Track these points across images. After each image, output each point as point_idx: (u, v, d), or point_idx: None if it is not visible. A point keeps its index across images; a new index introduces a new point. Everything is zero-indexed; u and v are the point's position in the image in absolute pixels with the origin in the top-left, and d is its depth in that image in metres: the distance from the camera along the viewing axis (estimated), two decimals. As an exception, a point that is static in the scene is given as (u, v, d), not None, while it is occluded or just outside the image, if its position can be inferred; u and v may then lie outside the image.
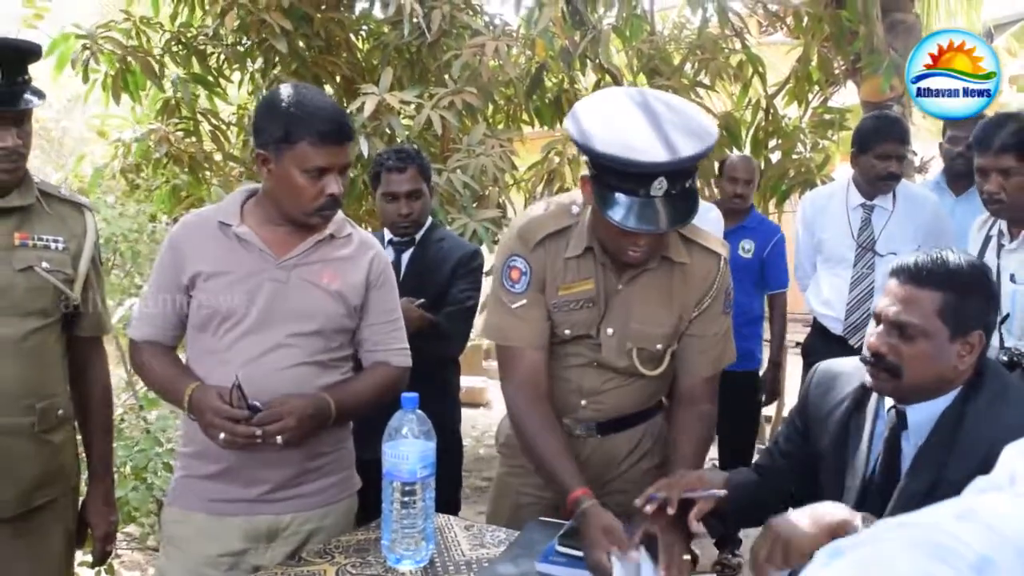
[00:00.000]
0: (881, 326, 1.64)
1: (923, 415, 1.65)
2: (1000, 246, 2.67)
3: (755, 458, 3.72)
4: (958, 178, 3.45)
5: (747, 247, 3.70)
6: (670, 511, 1.63)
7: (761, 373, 3.92)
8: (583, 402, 1.99)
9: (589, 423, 2.01)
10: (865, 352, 1.66)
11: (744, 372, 3.70)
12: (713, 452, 4.19)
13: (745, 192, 3.72)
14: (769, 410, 3.99)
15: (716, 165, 4.61)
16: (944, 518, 0.54)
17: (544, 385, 1.91)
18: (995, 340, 2.60)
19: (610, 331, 1.92)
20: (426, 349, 2.36)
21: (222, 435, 1.69)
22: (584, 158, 1.75)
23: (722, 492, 1.67)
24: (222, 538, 1.82)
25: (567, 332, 1.93)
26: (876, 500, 1.69)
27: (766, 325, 3.98)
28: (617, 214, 1.68)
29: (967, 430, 1.58)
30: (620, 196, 1.68)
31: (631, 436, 2.04)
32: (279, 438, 1.70)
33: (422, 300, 2.66)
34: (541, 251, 1.90)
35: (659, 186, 1.64)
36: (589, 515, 1.68)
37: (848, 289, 3.24)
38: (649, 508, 1.62)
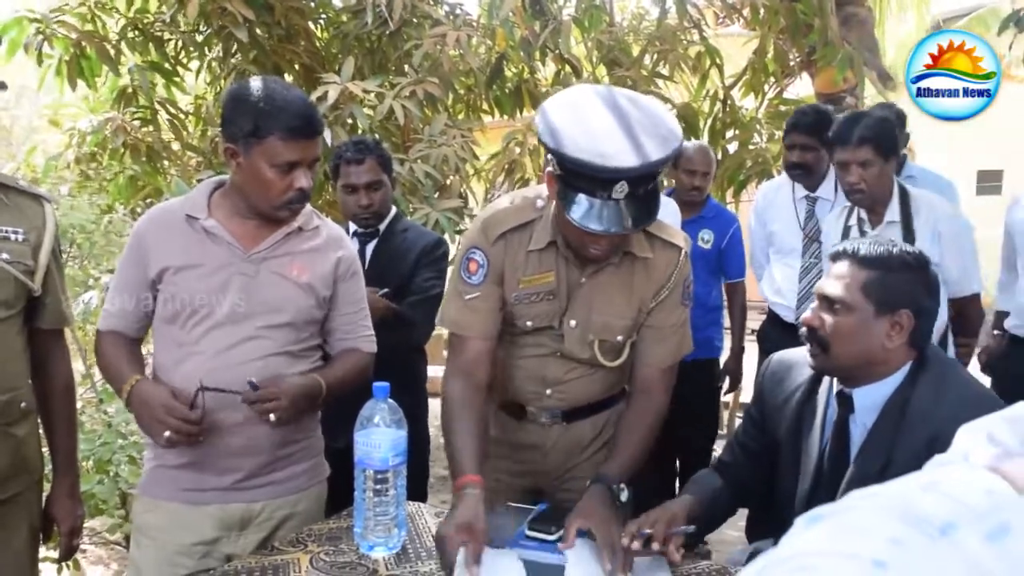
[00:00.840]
0: (816, 302, 1.73)
1: (869, 399, 1.72)
2: (863, 232, 2.82)
3: (715, 445, 3.81)
4: None
5: (706, 237, 3.69)
6: (655, 546, 1.65)
7: (723, 362, 3.93)
8: (547, 391, 2.02)
9: (554, 411, 2.04)
10: (801, 326, 1.75)
11: (703, 360, 3.71)
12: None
13: (702, 184, 3.70)
14: (727, 397, 4.03)
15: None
16: (910, 489, 0.58)
17: (482, 376, 1.93)
18: None
19: (573, 323, 1.94)
20: (391, 339, 2.37)
21: (166, 433, 1.69)
22: (549, 155, 1.76)
23: (691, 528, 1.71)
24: (195, 527, 1.83)
25: (528, 324, 1.95)
26: (828, 483, 1.75)
27: (725, 314, 4.03)
28: (578, 215, 1.70)
29: (912, 414, 1.64)
30: (582, 197, 1.69)
31: (595, 423, 2.07)
32: (272, 416, 1.72)
33: (386, 290, 2.68)
34: (502, 244, 1.91)
35: (621, 189, 1.66)
36: (465, 500, 1.69)
37: (798, 279, 3.33)
38: (636, 544, 1.64)
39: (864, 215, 2.86)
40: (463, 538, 1.60)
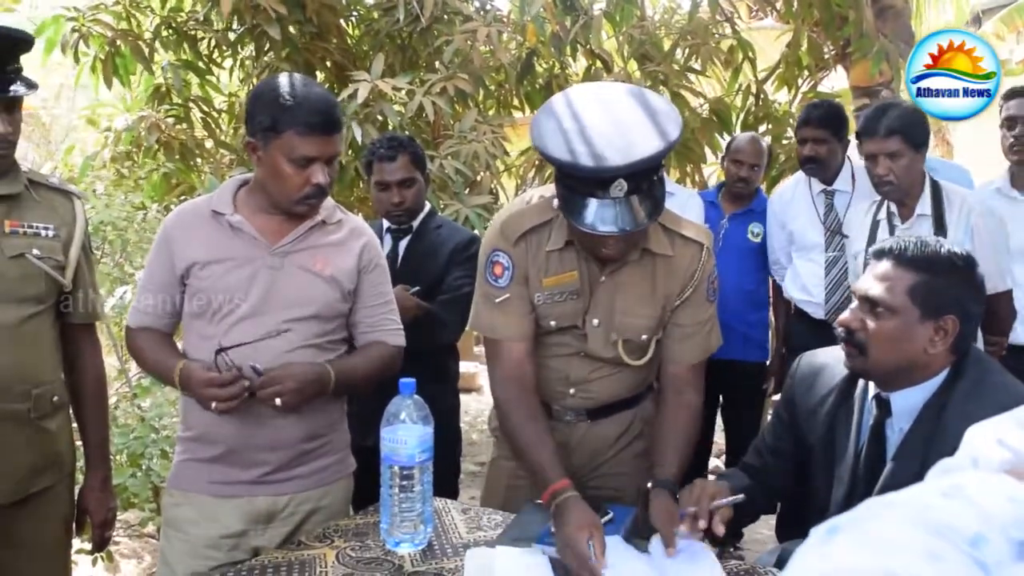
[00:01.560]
0: (856, 302, 1.67)
1: (907, 403, 1.66)
2: (892, 227, 2.76)
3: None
4: None
5: (756, 231, 3.59)
6: (701, 524, 1.64)
7: (768, 361, 3.80)
8: (571, 391, 2.00)
9: (579, 409, 2.03)
10: (837, 327, 1.69)
11: (754, 364, 3.66)
12: (719, 439, 4.21)
13: (750, 176, 3.59)
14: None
15: (716, 148, 4.62)
16: (931, 496, 0.55)
17: (530, 376, 1.92)
18: None
19: (595, 322, 1.93)
20: (421, 337, 2.37)
21: (214, 404, 1.72)
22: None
23: (741, 497, 1.69)
24: (223, 519, 1.84)
25: (552, 324, 1.94)
26: (863, 488, 1.71)
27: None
28: (581, 217, 1.68)
29: (949, 418, 1.58)
30: (582, 200, 1.68)
31: (621, 420, 2.05)
32: (278, 400, 1.72)
33: (417, 288, 2.67)
34: (523, 245, 1.90)
35: (619, 187, 1.64)
36: (568, 507, 1.66)
37: (824, 272, 3.28)
38: (684, 528, 1.63)
39: (894, 209, 2.80)
40: (587, 535, 1.58)
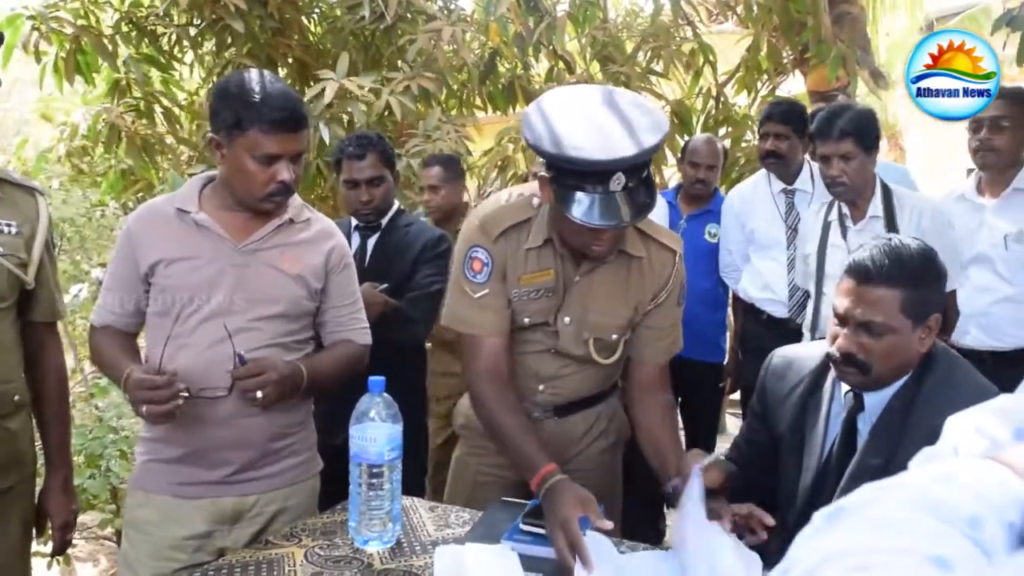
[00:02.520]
0: (847, 327, 1.70)
1: (878, 397, 1.72)
2: (844, 228, 2.82)
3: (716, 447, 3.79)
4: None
5: (713, 232, 3.62)
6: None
7: (725, 361, 3.84)
8: (540, 387, 2.03)
9: (546, 406, 2.05)
10: (833, 352, 1.72)
11: (711, 364, 3.69)
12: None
13: (707, 176, 3.63)
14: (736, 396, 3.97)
15: (676, 150, 4.66)
16: (926, 481, 0.57)
17: (506, 370, 1.94)
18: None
19: (567, 320, 1.95)
20: (389, 334, 2.37)
21: (144, 408, 1.66)
22: (539, 159, 1.76)
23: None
24: (187, 521, 1.82)
25: (526, 320, 1.96)
26: (832, 478, 1.76)
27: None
28: (580, 212, 1.70)
29: (919, 410, 1.65)
30: (580, 195, 1.70)
31: (587, 416, 2.08)
32: (259, 393, 1.71)
33: (385, 285, 2.67)
34: (503, 242, 1.92)
35: (618, 181, 1.67)
36: (560, 489, 1.67)
37: (787, 271, 3.33)
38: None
39: (846, 210, 2.86)
40: (580, 512, 1.59)
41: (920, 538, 0.51)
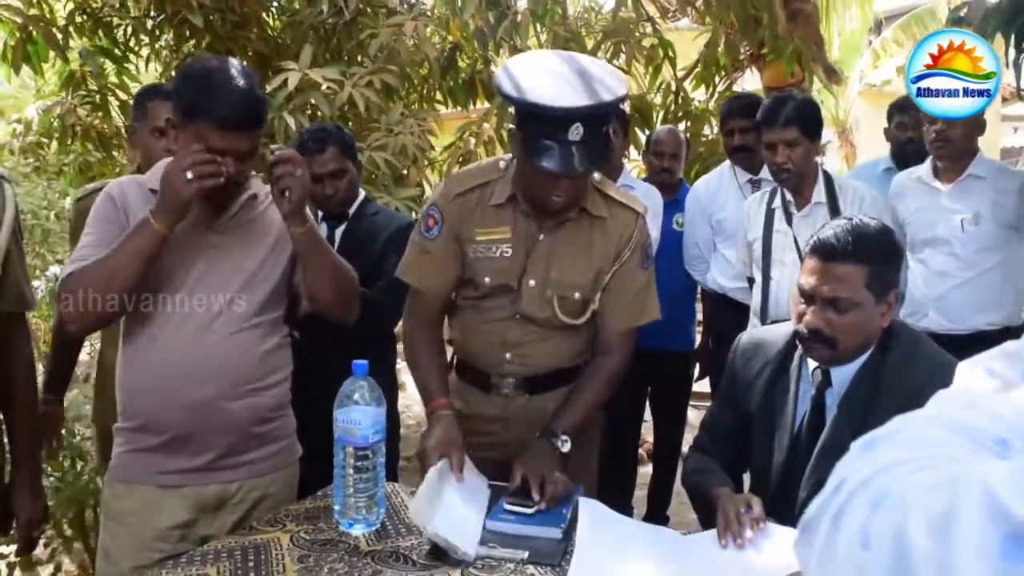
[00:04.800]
0: (813, 305, 1.75)
1: (845, 372, 1.78)
2: (789, 215, 2.91)
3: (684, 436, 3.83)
4: (906, 160, 3.64)
5: (681, 221, 3.66)
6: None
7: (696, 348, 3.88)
8: (507, 355, 2.07)
9: (517, 378, 2.08)
10: (801, 329, 1.77)
11: (680, 353, 3.73)
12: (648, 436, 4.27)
13: (672, 165, 3.70)
14: (703, 386, 4.02)
15: (638, 144, 4.72)
16: (951, 410, 0.60)
17: (437, 318, 2.13)
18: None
19: (532, 283, 2.00)
20: (359, 325, 2.36)
21: (189, 174, 1.67)
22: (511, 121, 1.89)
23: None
24: (170, 510, 1.81)
25: (487, 280, 2.01)
26: (804, 453, 1.81)
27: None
28: (539, 159, 1.81)
29: (885, 382, 1.72)
30: (543, 142, 1.80)
31: (559, 396, 2.09)
32: (290, 187, 1.75)
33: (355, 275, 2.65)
34: (460, 201, 2.01)
35: (576, 131, 1.77)
36: (440, 420, 1.91)
37: None
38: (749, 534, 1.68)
39: (789, 197, 2.94)
40: (443, 451, 1.82)
41: (955, 450, 0.54)
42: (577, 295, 2.01)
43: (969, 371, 0.71)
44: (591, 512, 1.77)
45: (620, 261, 2.01)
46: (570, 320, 2.02)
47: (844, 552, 0.52)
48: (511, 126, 1.91)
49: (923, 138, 3.55)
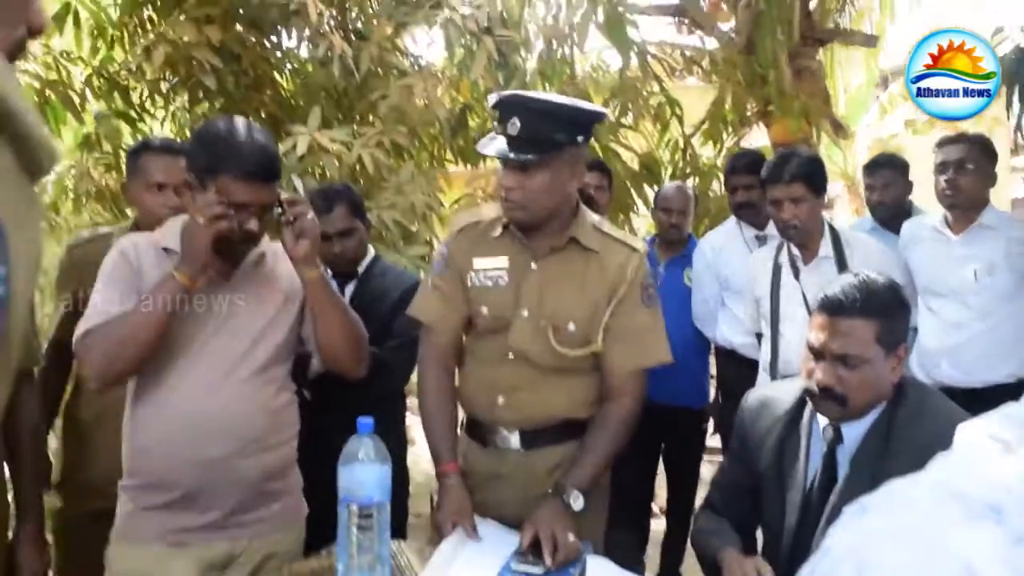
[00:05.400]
0: (822, 361, 1.73)
1: (856, 429, 1.76)
2: (796, 269, 2.90)
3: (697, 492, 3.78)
4: (886, 222, 3.67)
5: (691, 276, 3.65)
6: None
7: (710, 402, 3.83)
8: (500, 399, 2.02)
9: (510, 427, 2.03)
10: (811, 386, 1.75)
11: (697, 410, 3.69)
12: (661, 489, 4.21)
13: (680, 221, 3.69)
14: (717, 440, 3.97)
15: (646, 201, 4.75)
16: (946, 476, 0.59)
17: (450, 362, 2.13)
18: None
19: (525, 313, 1.99)
20: (369, 383, 2.35)
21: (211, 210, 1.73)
22: None
23: None
24: (178, 569, 1.79)
25: (485, 311, 2.02)
26: (816, 511, 1.77)
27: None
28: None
29: (897, 437, 1.70)
30: (489, 136, 1.93)
31: (558, 453, 2.03)
32: (303, 241, 1.82)
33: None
34: (463, 235, 2.09)
35: (513, 125, 1.86)
36: (450, 491, 1.93)
37: None
38: None
39: (796, 251, 2.93)
40: (455, 521, 1.85)
41: (946, 519, 0.53)
42: (572, 326, 1.98)
43: (969, 434, 0.70)
44: (601, 571, 1.74)
45: (617, 297, 1.98)
46: (565, 350, 1.97)
47: None
48: None
49: (897, 197, 3.63)
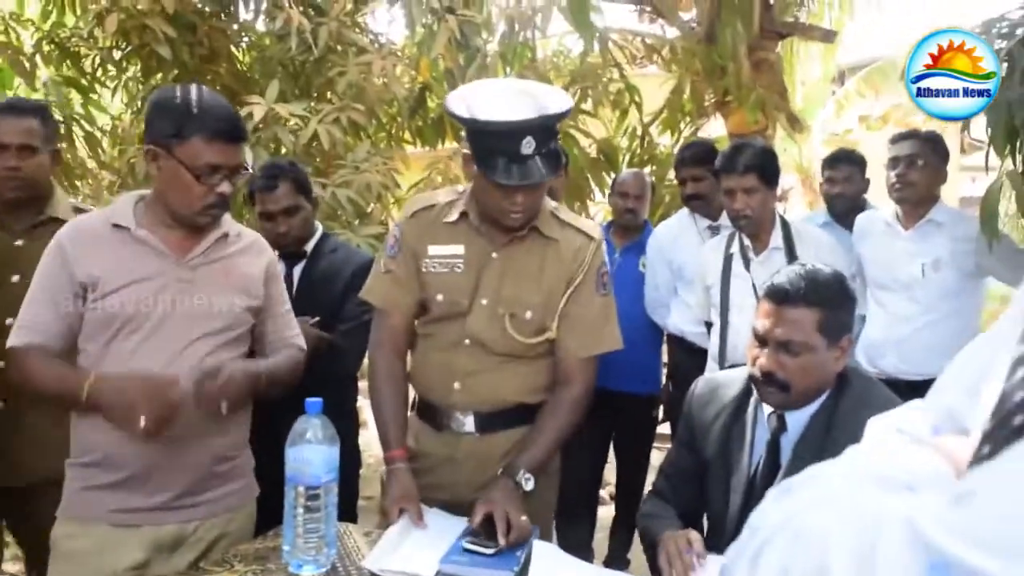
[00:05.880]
0: (766, 347, 1.77)
1: (800, 417, 1.80)
2: (747, 260, 2.95)
3: (648, 476, 3.81)
4: (841, 216, 3.73)
5: (646, 263, 3.66)
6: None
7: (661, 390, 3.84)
8: (456, 384, 2.03)
9: (465, 411, 2.05)
10: (755, 372, 1.79)
11: (648, 396, 3.70)
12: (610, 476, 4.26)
13: (636, 207, 3.68)
14: (667, 428, 4.00)
15: (603, 186, 4.76)
16: (865, 460, 0.61)
17: (402, 346, 2.12)
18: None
19: (484, 301, 2.00)
20: (322, 367, 2.33)
21: (143, 421, 1.62)
22: (464, 146, 1.97)
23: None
24: (126, 550, 1.76)
25: (439, 298, 2.02)
26: (760, 497, 1.80)
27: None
28: (498, 175, 1.84)
29: (838, 426, 1.74)
30: (499, 160, 1.84)
31: (511, 437, 2.05)
32: (223, 405, 1.71)
33: (316, 319, 2.61)
34: (417, 218, 2.06)
35: (528, 145, 1.81)
36: (397, 477, 1.94)
37: None
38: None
39: (747, 242, 2.98)
40: (401, 506, 1.85)
41: (866, 497, 0.54)
42: (529, 314, 1.99)
43: (879, 427, 0.72)
44: (545, 555, 1.75)
45: (573, 284, 2.00)
46: (521, 338, 1.99)
47: None
48: (465, 151, 1.95)
49: (855, 192, 3.68)
